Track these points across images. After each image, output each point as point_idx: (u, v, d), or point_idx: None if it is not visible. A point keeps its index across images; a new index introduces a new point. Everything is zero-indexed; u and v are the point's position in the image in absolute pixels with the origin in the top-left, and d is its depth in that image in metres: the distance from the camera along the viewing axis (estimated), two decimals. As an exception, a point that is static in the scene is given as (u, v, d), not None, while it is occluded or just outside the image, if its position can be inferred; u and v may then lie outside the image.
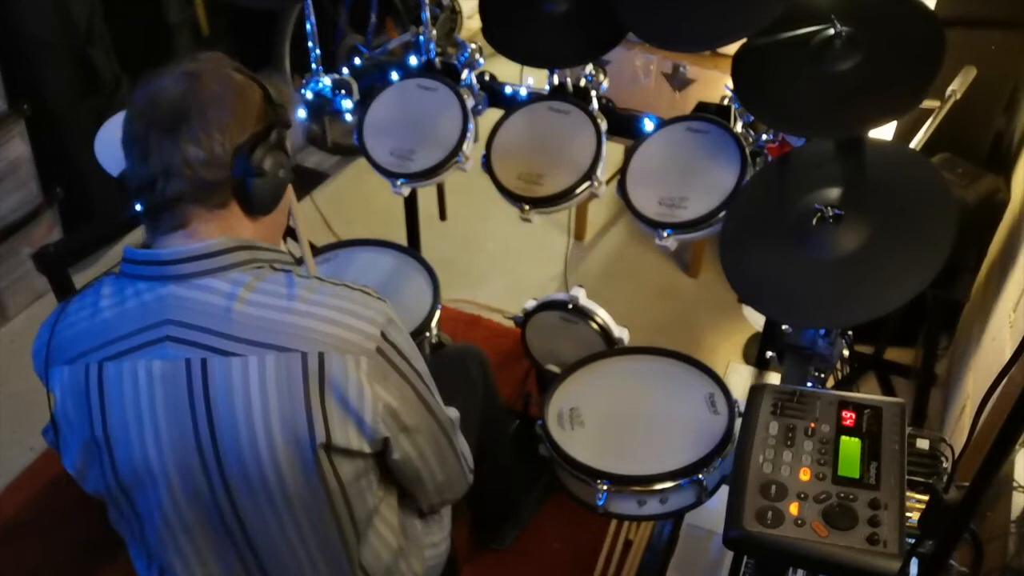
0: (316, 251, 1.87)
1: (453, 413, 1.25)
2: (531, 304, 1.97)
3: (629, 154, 1.69)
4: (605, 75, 1.78)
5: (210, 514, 1.07)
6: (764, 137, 1.62)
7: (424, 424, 1.14)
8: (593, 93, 1.76)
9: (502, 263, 2.86)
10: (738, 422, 1.48)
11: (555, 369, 1.95)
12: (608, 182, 1.77)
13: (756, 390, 1.26)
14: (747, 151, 1.58)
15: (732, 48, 1.52)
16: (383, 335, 1.05)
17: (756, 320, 2.38)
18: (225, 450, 1.02)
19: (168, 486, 1.05)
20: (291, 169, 1.11)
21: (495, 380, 1.71)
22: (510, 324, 2.11)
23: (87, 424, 1.05)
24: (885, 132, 1.93)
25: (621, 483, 1.43)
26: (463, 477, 1.28)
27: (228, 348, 1.00)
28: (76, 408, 1.05)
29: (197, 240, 1.03)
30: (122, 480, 1.07)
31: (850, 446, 1.16)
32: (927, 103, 1.47)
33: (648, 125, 1.72)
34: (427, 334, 1.72)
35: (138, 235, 1.12)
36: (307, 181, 3.17)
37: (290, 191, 1.15)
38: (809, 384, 1.50)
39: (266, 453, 1.02)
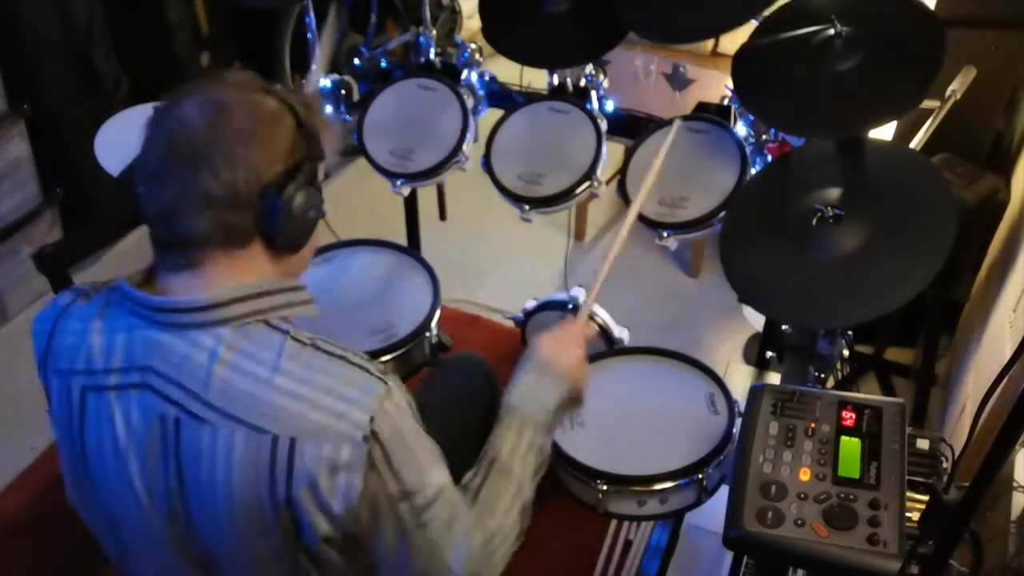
0: (316, 251, 1.86)
1: (436, 482, 1.04)
2: (531, 304, 1.97)
3: (629, 154, 1.69)
4: (605, 75, 1.78)
5: (182, 556, 1.05)
6: (764, 137, 1.62)
7: (394, 532, 1.01)
8: (593, 93, 1.76)
9: (502, 263, 2.86)
10: (738, 422, 1.48)
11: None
12: (608, 182, 1.77)
13: (756, 390, 1.26)
14: (747, 151, 1.58)
15: (732, 48, 1.52)
16: (371, 422, 0.96)
17: (756, 320, 2.37)
18: (193, 506, 0.99)
19: (143, 524, 1.03)
20: (322, 205, 1.05)
21: (499, 388, 1.69)
22: (510, 324, 2.11)
23: (68, 445, 1.04)
24: (885, 132, 1.93)
25: (621, 483, 1.43)
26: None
27: (201, 414, 0.96)
28: (62, 427, 1.04)
29: (201, 286, 0.97)
30: (101, 513, 1.06)
31: (850, 446, 1.16)
32: (927, 103, 1.46)
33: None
34: (427, 334, 1.72)
35: (138, 235, 1.10)
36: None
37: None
38: (809, 384, 1.50)
39: (229, 523, 0.98)
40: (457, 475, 1.41)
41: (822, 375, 1.52)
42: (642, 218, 1.60)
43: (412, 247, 2.37)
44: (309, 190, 1.01)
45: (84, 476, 1.05)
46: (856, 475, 1.13)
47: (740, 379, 2.34)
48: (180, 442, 0.97)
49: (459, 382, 1.59)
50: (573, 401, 1.28)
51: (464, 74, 1.88)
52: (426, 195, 2.37)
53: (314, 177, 1.02)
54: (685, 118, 1.68)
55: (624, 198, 1.63)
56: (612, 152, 1.73)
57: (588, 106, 1.74)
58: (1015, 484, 1.42)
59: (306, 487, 0.95)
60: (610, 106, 1.78)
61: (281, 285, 1.02)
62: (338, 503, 0.97)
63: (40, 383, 1.08)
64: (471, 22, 3.55)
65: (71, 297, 1.07)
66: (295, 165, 0.99)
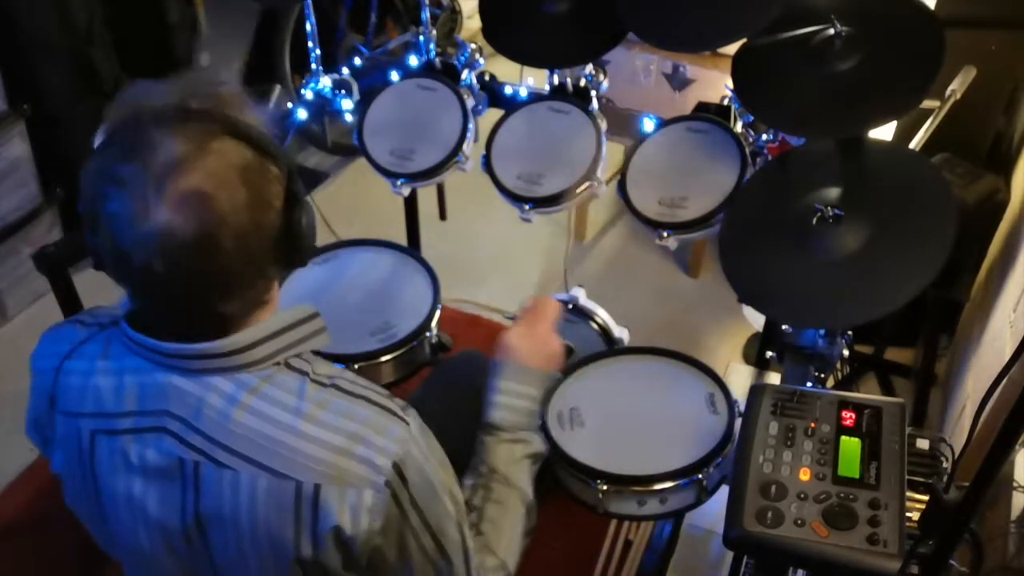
0: (316, 251, 1.86)
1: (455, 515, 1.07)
2: (531, 304, 1.97)
3: (629, 154, 1.69)
4: (605, 75, 1.78)
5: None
6: (764, 137, 1.62)
7: (422, 562, 1.03)
8: (593, 93, 1.76)
9: (502, 263, 2.86)
10: (738, 422, 1.48)
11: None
12: (608, 182, 1.76)
13: (756, 390, 1.26)
14: (747, 151, 1.58)
15: (732, 48, 1.52)
16: (396, 468, 0.95)
17: (756, 320, 2.38)
18: (213, 543, 0.99)
19: (157, 557, 1.03)
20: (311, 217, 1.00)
21: None
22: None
23: (81, 484, 1.03)
24: (885, 132, 1.93)
25: (621, 483, 1.43)
26: None
27: (222, 459, 0.95)
28: (71, 467, 1.03)
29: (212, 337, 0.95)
30: (117, 550, 1.07)
31: (850, 446, 1.16)
32: (927, 103, 1.47)
33: (648, 125, 1.72)
34: (427, 334, 1.71)
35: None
36: (307, 181, 3.18)
37: None
38: (809, 384, 1.50)
39: (251, 557, 0.98)
40: (461, 470, 1.42)
41: (822, 375, 1.52)
42: (642, 218, 1.60)
43: (412, 247, 2.37)
44: (304, 207, 0.97)
45: (99, 520, 1.04)
46: (856, 475, 1.13)
47: (740, 379, 2.34)
48: (200, 484, 0.96)
49: (461, 378, 1.59)
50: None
51: (464, 74, 1.88)
52: (426, 195, 2.37)
53: (297, 194, 0.98)
54: (685, 118, 1.68)
55: (624, 198, 1.63)
56: (612, 152, 1.73)
57: (589, 106, 1.74)
58: (1015, 484, 1.42)
59: (331, 531, 0.95)
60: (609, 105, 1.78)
61: (295, 317, 1.00)
62: (361, 544, 0.96)
63: (31, 417, 1.09)
64: (471, 22, 3.56)
65: (83, 335, 1.05)
66: (287, 204, 0.95)
